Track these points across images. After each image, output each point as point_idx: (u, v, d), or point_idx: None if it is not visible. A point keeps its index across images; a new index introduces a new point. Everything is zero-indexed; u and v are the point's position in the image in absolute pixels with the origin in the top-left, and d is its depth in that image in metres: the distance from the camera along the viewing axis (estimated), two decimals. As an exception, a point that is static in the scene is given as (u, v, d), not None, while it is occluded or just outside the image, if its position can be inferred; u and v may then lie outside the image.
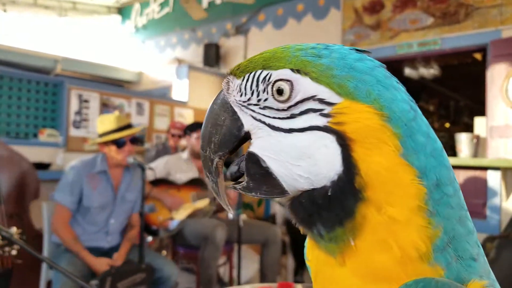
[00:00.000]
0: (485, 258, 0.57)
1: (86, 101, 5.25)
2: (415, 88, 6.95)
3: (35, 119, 5.00)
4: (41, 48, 7.78)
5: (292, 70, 0.55)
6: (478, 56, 5.42)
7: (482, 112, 4.51)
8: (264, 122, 0.57)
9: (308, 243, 0.62)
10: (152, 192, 3.41)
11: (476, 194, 3.97)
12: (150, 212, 3.34)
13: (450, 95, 8.22)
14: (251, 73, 0.58)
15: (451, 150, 4.53)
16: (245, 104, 0.58)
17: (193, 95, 6.81)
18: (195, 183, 3.61)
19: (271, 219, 5.34)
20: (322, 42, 0.61)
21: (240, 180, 0.61)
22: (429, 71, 6.16)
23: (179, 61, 7.65)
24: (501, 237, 3.21)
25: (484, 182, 3.99)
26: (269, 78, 0.56)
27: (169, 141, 5.05)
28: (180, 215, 3.49)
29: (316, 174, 0.52)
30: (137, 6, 8.79)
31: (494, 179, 3.93)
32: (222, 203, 0.62)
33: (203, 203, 3.59)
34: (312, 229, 0.54)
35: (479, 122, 4.45)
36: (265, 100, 0.57)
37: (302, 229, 0.58)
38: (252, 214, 6.00)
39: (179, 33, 7.92)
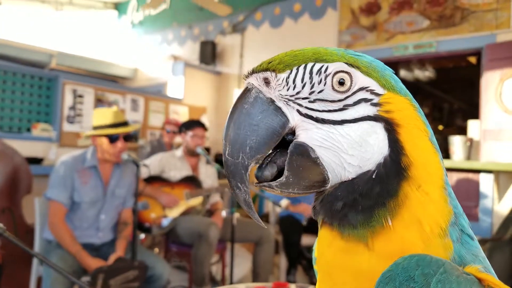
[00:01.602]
0: (477, 240, 0.61)
1: (80, 96, 5.22)
2: (410, 90, 6.97)
3: (29, 113, 4.97)
4: (36, 42, 7.72)
5: (347, 63, 0.58)
6: (473, 59, 5.45)
7: (476, 115, 4.54)
8: (311, 117, 0.57)
9: (320, 239, 0.62)
10: (146, 189, 3.40)
11: (469, 197, 4.00)
12: (143, 209, 3.33)
13: (444, 97, 8.26)
14: (300, 66, 0.58)
15: (444, 152, 4.55)
16: (293, 98, 0.58)
17: (188, 93, 6.79)
18: (189, 181, 3.60)
19: (264, 218, 5.34)
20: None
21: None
22: (424, 74, 6.19)
23: (175, 58, 7.63)
24: (493, 240, 3.23)
25: (476, 184, 4.02)
26: (326, 70, 0.58)
27: (164, 138, 5.04)
28: (173, 213, 3.48)
29: (367, 160, 0.56)
30: (133, 1, 8.75)
31: (486, 182, 3.96)
32: (254, 217, 0.59)
33: (196, 201, 3.59)
34: (342, 221, 0.57)
35: (472, 125, 4.47)
36: (320, 92, 0.58)
37: (323, 225, 0.60)
38: (245, 213, 5.99)
39: (176, 30, 7.90)
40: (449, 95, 8.21)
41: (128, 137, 2.90)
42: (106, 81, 7.27)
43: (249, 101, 0.58)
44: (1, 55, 6.56)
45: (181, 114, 6.55)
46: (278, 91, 0.58)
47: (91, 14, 9.12)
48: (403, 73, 6.10)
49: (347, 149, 0.56)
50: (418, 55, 4.98)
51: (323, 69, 0.58)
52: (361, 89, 0.58)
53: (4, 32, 7.61)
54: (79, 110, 5.19)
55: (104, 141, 2.81)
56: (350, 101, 0.57)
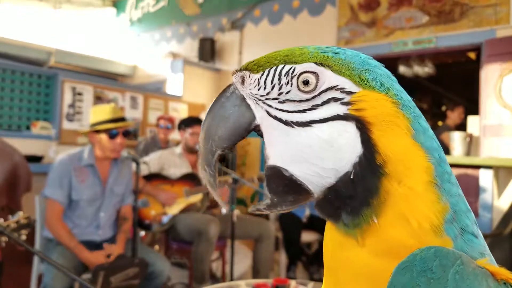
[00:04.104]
0: (483, 238, 0.60)
1: (79, 94, 5.22)
2: (409, 86, 6.98)
3: (28, 111, 4.97)
4: (35, 40, 7.70)
5: (316, 63, 0.59)
6: (472, 55, 5.44)
7: (475, 111, 4.54)
8: (280, 119, 0.60)
9: (326, 232, 0.64)
10: (146, 187, 3.40)
11: (468, 192, 4.00)
12: (143, 206, 3.33)
13: (444, 93, 8.26)
14: (271, 67, 0.61)
15: (444, 148, 4.55)
16: (263, 98, 0.61)
17: (187, 90, 6.79)
18: (188, 178, 3.60)
19: (264, 215, 5.34)
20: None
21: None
22: (424, 69, 6.19)
23: (174, 55, 7.62)
24: (492, 235, 3.23)
25: (476, 180, 4.02)
26: (293, 71, 0.60)
27: (158, 134, 5.05)
28: (173, 210, 3.48)
29: (340, 160, 0.56)
30: (132, -1, 8.74)
31: (486, 177, 3.96)
32: (216, 197, 0.63)
33: (196, 198, 3.59)
34: (339, 221, 0.58)
35: (472, 121, 4.47)
36: (287, 92, 0.60)
37: (328, 221, 0.62)
38: (245, 210, 6.00)
39: (174, 27, 7.88)
40: (449, 91, 8.21)
41: (127, 133, 2.89)
42: (105, 79, 7.26)
43: (226, 96, 0.63)
44: (0, 53, 6.55)
45: (180, 112, 6.55)
46: (250, 90, 0.62)
47: (90, 11, 9.09)
48: (402, 69, 6.10)
49: (319, 152, 0.57)
50: (417, 51, 4.98)
51: (290, 71, 0.60)
52: (330, 88, 0.58)
53: (3, 30, 7.59)
54: (78, 108, 5.18)
55: (104, 138, 2.80)
56: (318, 100, 0.58)
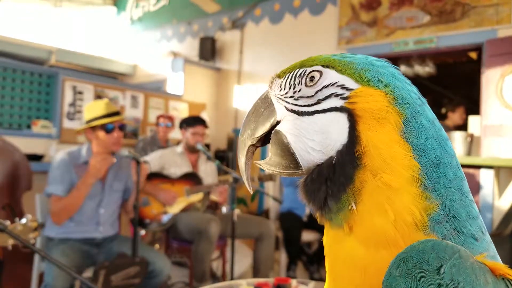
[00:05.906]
0: (493, 246, 0.61)
1: (80, 92, 5.22)
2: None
3: (29, 110, 4.97)
4: (36, 38, 7.70)
5: (323, 65, 0.68)
6: (473, 55, 5.44)
7: (476, 111, 4.53)
8: (294, 111, 0.69)
9: (325, 228, 0.69)
10: (146, 187, 3.40)
11: (469, 192, 3.99)
12: (143, 205, 3.34)
13: (445, 93, 8.25)
14: (291, 72, 0.72)
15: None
16: (282, 97, 0.71)
17: (188, 89, 6.78)
18: (189, 177, 3.60)
19: (264, 214, 5.34)
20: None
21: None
22: (425, 69, 6.19)
23: (175, 54, 7.62)
24: (493, 235, 3.23)
25: (477, 180, 4.02)
26: (304, 72, 0.70)
27: (158, 133, 5.05)
28: (173, 209, 3.48)
29: (326, 146, 0.63)
30: (132, -2, 8.74)
31: (487, 177, 3.96)
32: (245, 181, 0.73)
33: (196, 197, 3.59)
34: (323, 207, 0.63)
35: (473, 121, 4.47)
36: (299, 90, 0.69)
37: (315, 213, 0.66)
38: (245, 209, 6.01)
39: (175, 26, 7.88)
40: (450, 91, 8.21)
41: (123, 127, 2.91)
42: (105, 78, 7.27)
43: (261, 98, 0.75)
44: (1, 52, 6.55)
45: (181, 111, 6.54)
46: (274, 91, 0.73)
47: (90, 10, 9.09)
48: (403, 69, 6.10)
49: (311, 135, 0.65)
50: (418, 50, 4.98)
51: (302, 73, 0.69)
52: (331, 84, 0.66)
53: (4, 29, 7.59)
54: (79, 107, 5.18)
55: (101, 134, 2.82)
56: (321, 95, 0.66)
